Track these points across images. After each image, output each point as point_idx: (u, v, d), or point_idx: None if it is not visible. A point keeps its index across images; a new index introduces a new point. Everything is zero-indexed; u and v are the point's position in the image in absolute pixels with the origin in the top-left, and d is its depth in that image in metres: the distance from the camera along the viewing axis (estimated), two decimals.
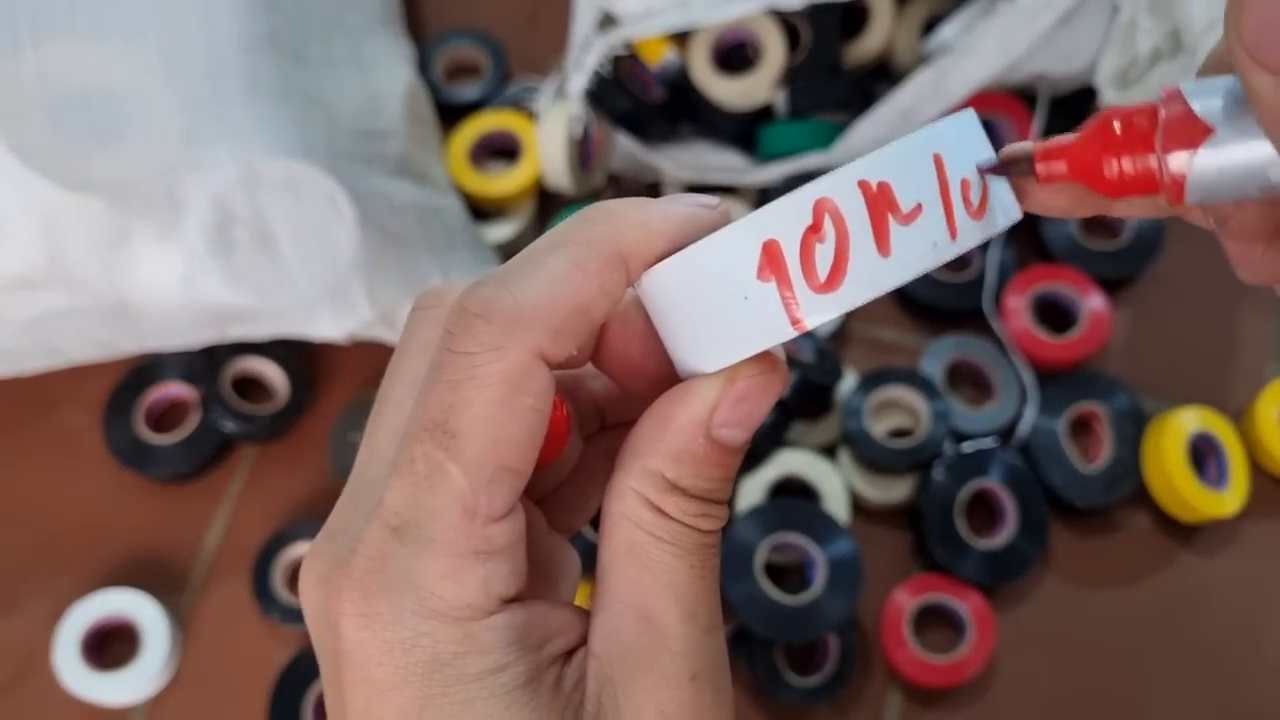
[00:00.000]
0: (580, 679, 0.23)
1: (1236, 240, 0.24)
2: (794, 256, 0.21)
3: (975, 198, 0.22)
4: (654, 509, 0.23)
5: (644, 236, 0.23)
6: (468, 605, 0.22)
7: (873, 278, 0.21)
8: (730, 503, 0.58)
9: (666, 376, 0.24)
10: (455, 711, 0.22)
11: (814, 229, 0.21)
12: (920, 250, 0.21)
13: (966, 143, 0.22)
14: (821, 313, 0.21)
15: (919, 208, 0.21)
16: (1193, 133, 0.21)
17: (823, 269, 0.21)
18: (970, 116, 0.23)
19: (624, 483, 0.23)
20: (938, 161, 0.21)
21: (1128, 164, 0.22)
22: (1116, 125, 0.22)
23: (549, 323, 0.22)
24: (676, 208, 0.23)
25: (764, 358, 0.23)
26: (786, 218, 0.21)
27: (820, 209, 0.21)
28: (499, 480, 0.22)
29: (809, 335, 0.58)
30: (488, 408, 0.22)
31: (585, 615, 0.24)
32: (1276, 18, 0.19)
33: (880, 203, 0.21)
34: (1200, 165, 0.21)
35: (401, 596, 0.22)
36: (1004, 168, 0.23)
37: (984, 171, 0.23)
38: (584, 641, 0.24)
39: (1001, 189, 0.23)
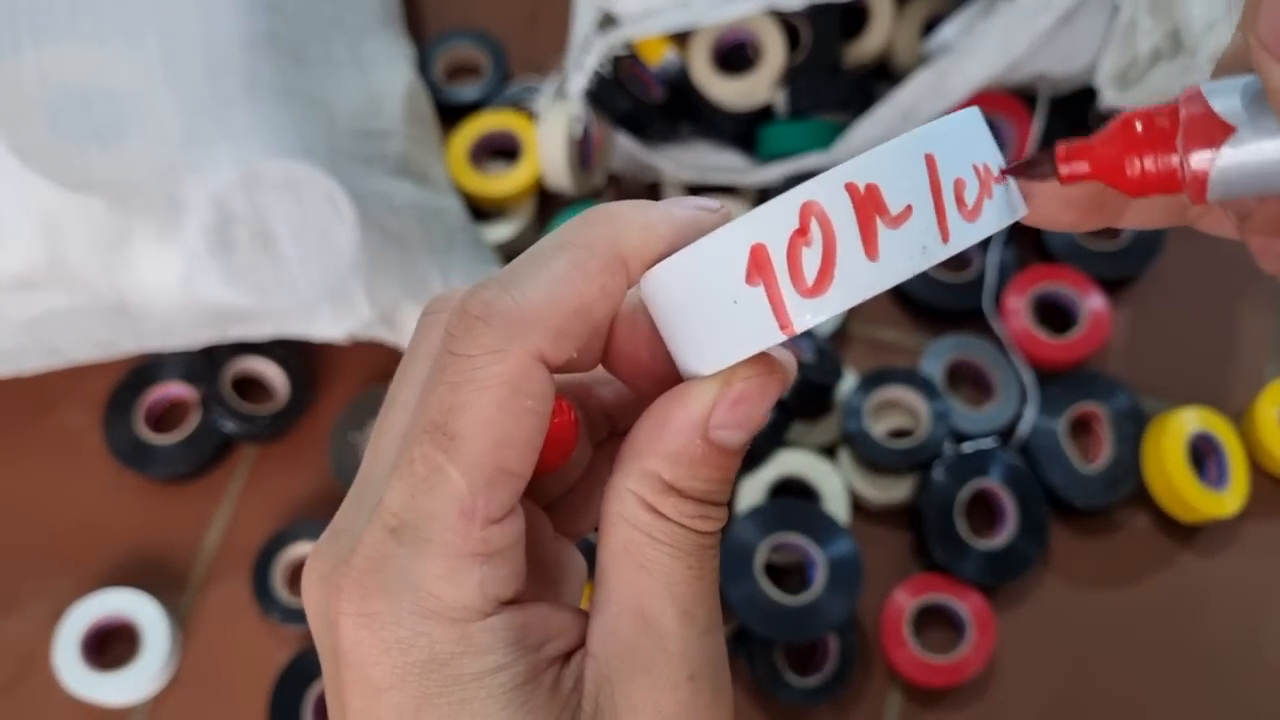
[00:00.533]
0: (579, 680, 0.23)
1: (1260, 234, 0.24)
2: (781, 261, 0.21)
3: (970, 198, 0.21)
4: (651, 510, 0.23)
5: (645, 239, 0.23)
6: (465, 606, 0.22)
7: (861, 281, 0.21)
8: (730, 503, 0.58)
9: (675, 378, 0.24)
10: (452, 711, 0.22)
11: (801, 233, 0.21)
12: (909, 253, 0.21)
13: (965, 141, 0.22)
14: (810, 317, 0.21)
15: (908, 210, 0.21)
16: (1214, 131, 0.21)
17: (810, 273, 0.21)
18: (973, 114, 0.22)
19: (621, 484, 0.23)
20: (930, 162, 0.21)
21: (1150, 163, 0.22)
22: (1138, 125, 0.22)
23: (549, 325, 0.22)
24: (678, 210, 0.24)
25: (761, 359, 0.23)
26: (773, 222, 0.21)
27: (807, 213, 0.21)
28: (497, 483, 0.22)
29: (809, 335, 0.58)
30: (487, 410, 0.22)
31: (585, 617, 0.25)
32: None
33: (868, 205, 0.21)
34: (1222, 163, 0.21)
35: (399, 596, 0.22)
36: (1025, 168, 0.23)
37: (1004, 173, 0.23)
38: (583, 643, 0.24)
39: (1001, 189, 0.23)
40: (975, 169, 0.22)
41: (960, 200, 0.21)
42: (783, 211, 0.21)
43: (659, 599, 0.23)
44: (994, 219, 0.22)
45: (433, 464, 0.22)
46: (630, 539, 0.23)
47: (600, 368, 0.26)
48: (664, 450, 0.23)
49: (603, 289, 0.23)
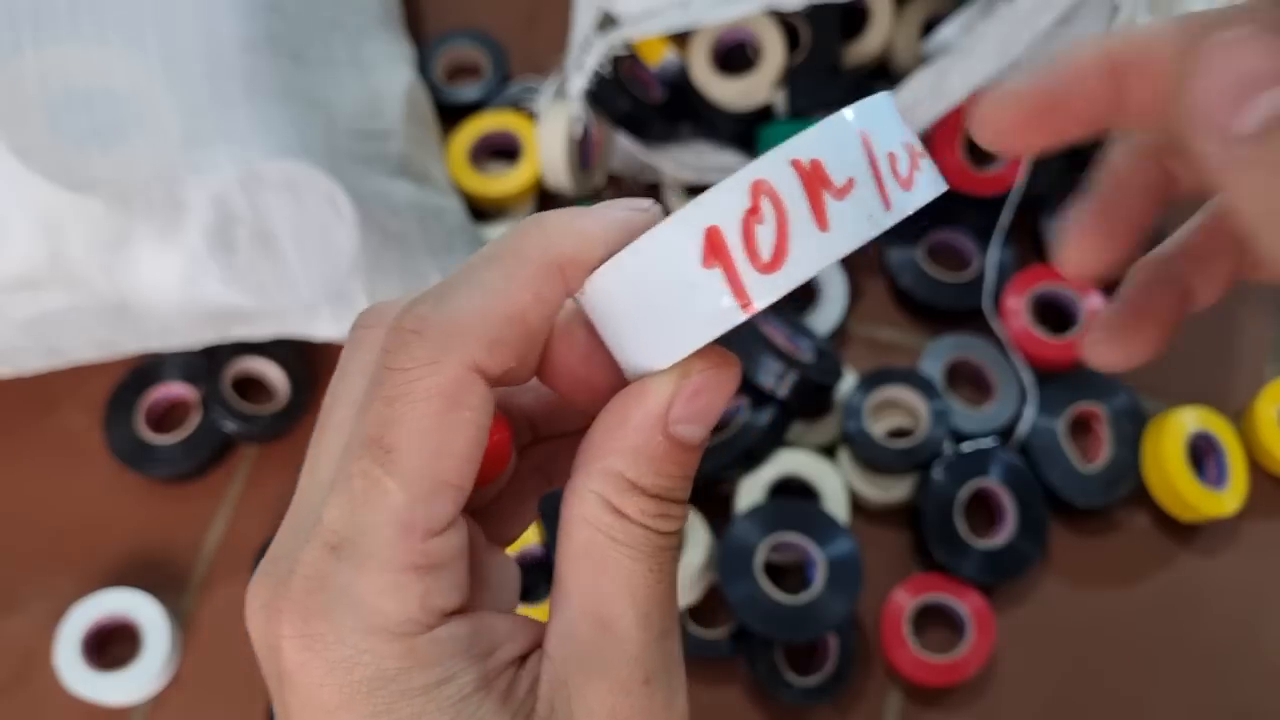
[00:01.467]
0: (534, 683, 0.23)
1: None
2: (736, 240, 0.21)
3: (903, 170, 0.22)
4: (614, 511, 0.23)
5: (578, 243, 0.23)
6: (408, 620, 0.22)
7: (815, 252, 0.21)
8: (729, 502, 0.58)
9: (613, 386, 0.24)
10: None
11: (753, 211, 0.21)
12: (857, 222, 0.21)
13: (889, 122, 0.22)
14: (769, 292, 0.21)
15: (851, 182, 0.21)
16: None
17: (765, 249, 0.21)
18: (886, 98, 0.23)
19: (583, 485, 0.23)
20: (864, 138, 0.22)
21: None
22: None
23: (484, 335, 0.22)
24: (610, 212, 0.24)
25: (715, 352, 0.23)
26: (726, 203, 0.21)
27: (757, 191, 0.21)
28: (438, 495, 0.22)
29: (808, 335, 0.58)
30: (424, 422, 0.22)
31: (532, 622, 0.25)
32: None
33: (814, 180, 0.21)
34: None
35: (341, 614, 0.22)
36: None
37: None
38: (535, 647, 0.24)
39: (927, 163, 0.23)
40: (903, 145, 0.22)
41: (895, 172, 0.22)
42: (734, 192, 0.21)
43: (618, 602, 0.23)
44: (926, 190, 0.22)
45: (371, 479, 0.22)
46: (592, 541, 0.23)
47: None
48: (624, 447, 0.23)
49: (537, 296, 0.23)
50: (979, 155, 0.63)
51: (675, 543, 0.24)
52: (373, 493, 0.22)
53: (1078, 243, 0.26)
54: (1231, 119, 0.18)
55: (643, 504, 0.23)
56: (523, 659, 0.24)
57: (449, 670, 0.22)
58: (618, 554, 0.23)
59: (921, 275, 0.61)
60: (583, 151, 0.63)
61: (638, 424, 0.23)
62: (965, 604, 0.54)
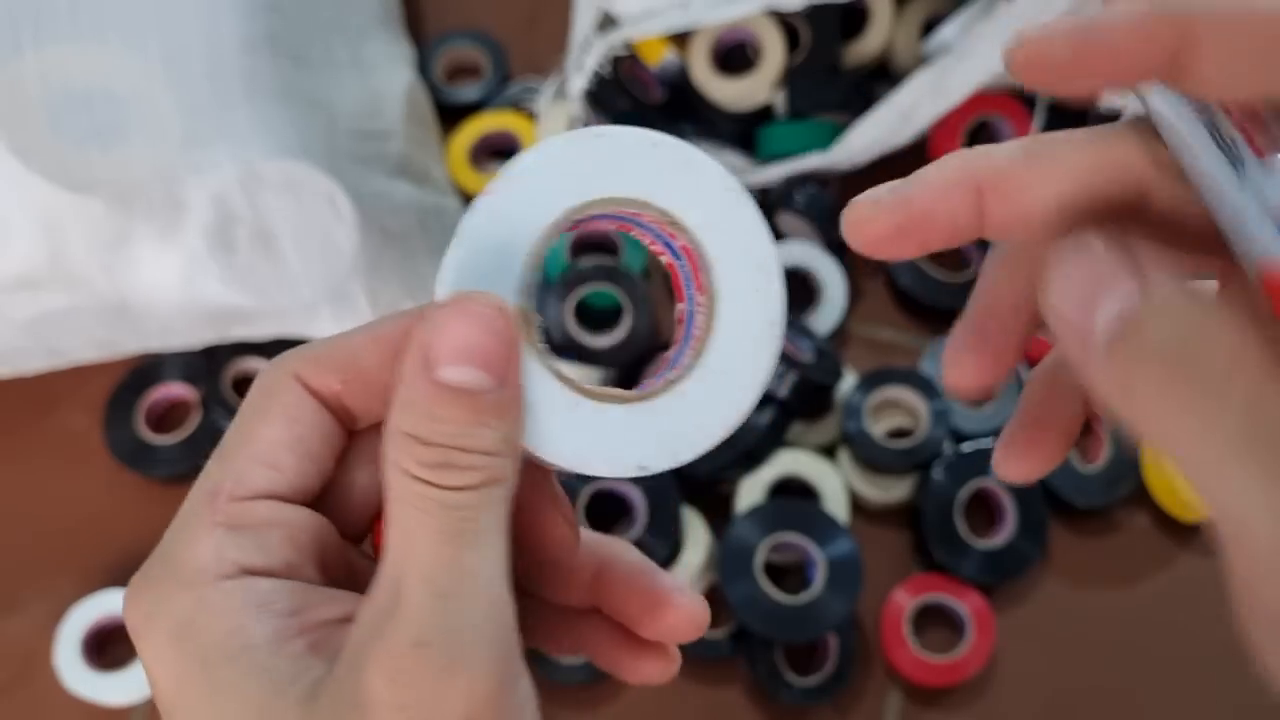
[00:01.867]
0: (341, 646, 0.23)
1: None
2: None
3: None
4: (400, 471, 0.23)
5: (430, 325, 0.25)
6: (201, 569, 0.24)
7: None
8: (729, 502, 0.57)
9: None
10: (200, 677, 0.23)
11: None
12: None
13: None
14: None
15: None
16: None
17: None
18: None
19: (383, 453, 0.24)
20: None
21: None
22: None
23: (307, 353, 0.26)
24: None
25: (473, 291, 0.24)
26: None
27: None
28: (246, 470, 0.25)
29: (809, 336, 0.57)
30: (242, 416, 0.26)
31: (359, 596, 0.25)
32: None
33: None
34: None
35: (161, 574, 0.24)
36: None
37: None
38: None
39: None
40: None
41: None
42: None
43: (403, 563, 0.23)
44: None
45: (204, 470, 0.25)
46: (392, 508, 0.23)
47: None
48: (399, 400, 0.23)
49: (374, 339, 0.25)
50: None
51: (471, 501, 0.23)
52: (199, 477, 0.25)
53: (957, 363, 0.26)
54: (1085, 325, 0.20)
55: (419, 454, 0.23)
56: (340, 624, 0.24)
57: (238, 622, 0.23)
58: (405, 513, 0.23)
59: (921, 275, 0.61)
60: None
61: (405, 372, 0.23)
62: (965, 604, 0.54)
